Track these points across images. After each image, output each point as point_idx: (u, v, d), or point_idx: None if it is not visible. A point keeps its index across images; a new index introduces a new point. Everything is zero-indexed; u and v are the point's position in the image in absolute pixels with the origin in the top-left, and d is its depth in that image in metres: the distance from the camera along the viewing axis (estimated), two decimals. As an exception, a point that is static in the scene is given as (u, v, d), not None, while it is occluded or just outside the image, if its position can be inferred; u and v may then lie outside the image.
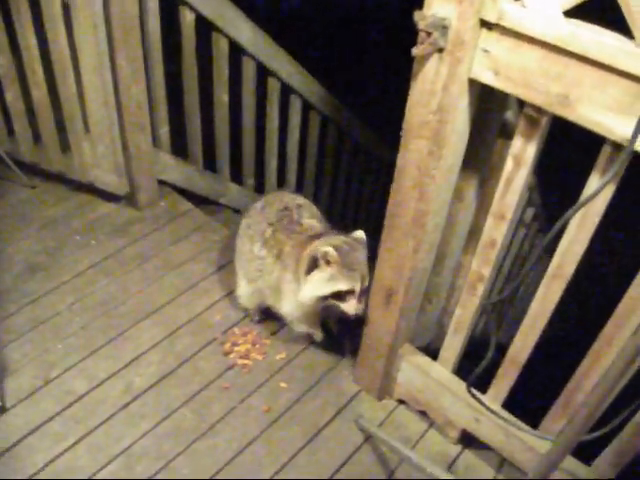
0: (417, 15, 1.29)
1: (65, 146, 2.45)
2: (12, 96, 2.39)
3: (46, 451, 1.82)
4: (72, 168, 2.47)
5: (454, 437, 1.96)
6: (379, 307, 1.83)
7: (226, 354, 2.09)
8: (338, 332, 2.19)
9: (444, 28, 1.29)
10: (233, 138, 2.78)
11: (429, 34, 1.29)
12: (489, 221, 1.56)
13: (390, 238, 1.68)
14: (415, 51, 1.31)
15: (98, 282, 2.29)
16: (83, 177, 2.46)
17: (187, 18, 2.35)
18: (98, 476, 1.77)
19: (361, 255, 1.87)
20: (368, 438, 1.93)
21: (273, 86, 2.73)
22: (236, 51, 2.54)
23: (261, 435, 1.91)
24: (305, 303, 1.89)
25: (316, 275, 1.83)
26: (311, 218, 2.02)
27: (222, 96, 2.59)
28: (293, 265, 1.91)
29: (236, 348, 2.10)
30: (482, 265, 1.63)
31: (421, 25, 1.28)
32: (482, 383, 1.78)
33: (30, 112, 2.44)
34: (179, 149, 2.65)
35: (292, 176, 3.10)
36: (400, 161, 1.55)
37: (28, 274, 2.30)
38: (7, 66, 2.34)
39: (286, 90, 2.80)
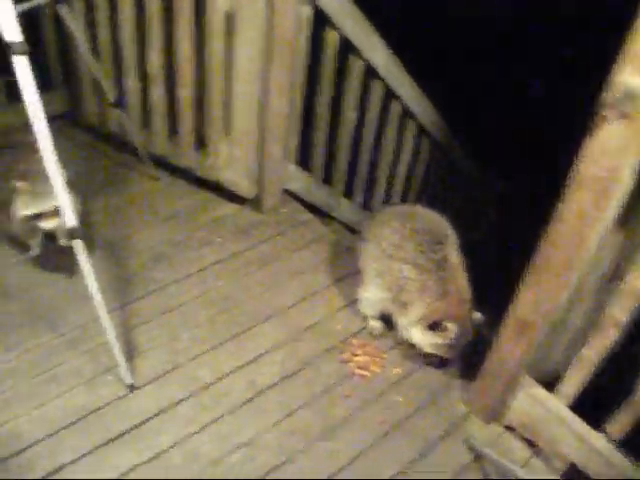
0: (610, 83, 1.39)
1: (198, 145, 2.58)
2: (158, 94, 2.53)
3: (173, 433, 1.90)
4: (203, 166, 2.59)
5: (560, 469, 2.00)
6: (511, 338, 1.89)
7: (345, 362, 2.17)
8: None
9: (634, 97, 1.38)
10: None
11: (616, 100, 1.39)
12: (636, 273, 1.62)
13: (536, 276, 1.75)
14: (602, 114, 1.42)
15: (222, 279, 2.39)
16: (213, 176, 2.58)
17: (332, 38, 2.47)
18: (222, 464, 1.85)
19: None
20: (477, 458, 1.98)
21: (395, 109, 2.84)
22: (368, 73, 2.65)
23: (375, 445, 1.97)
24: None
25: (429, 336, 2.08)
26: (457, 256, 2.12)
27: (349, 113, 2.71)
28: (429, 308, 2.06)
29: (355, 358, 2.17)
30: (620, 312, 1.69)
31: (612, 93, 1.38)
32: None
33: (170, 108, 2.57)
34: (301, 160, 2.76)
35: (397, 196, 3.20)
36: (562, 207, 1.61)
37: (153, 263, 2.40)
38: (158, 65, 2.48)
39: (405, 113, 2.90)
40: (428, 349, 2.11)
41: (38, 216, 2.10)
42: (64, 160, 1.74)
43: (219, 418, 1.96)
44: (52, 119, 1.69)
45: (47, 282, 2.28)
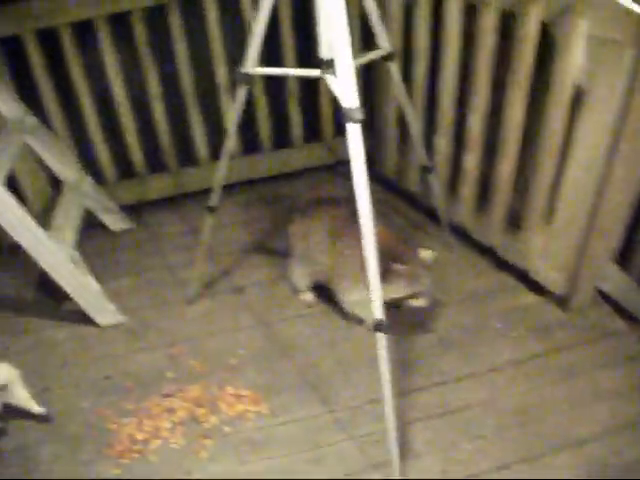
0: None
1: (508, 224, 2.34)
2: (472, 162, 2.35)
3: None
4: (510, 249, 2.34)
5: None
6: None
7: None
8: None
9: None
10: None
11: None
12: None
13: None
14: None
15: (516, 385, 2.09)
16: (519, 262, 2.32)
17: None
18: None
19: None
20: None
21: None
22: None
23: None
24: None
25: None
26: None
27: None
28: None
29: None
30: None
31: None
32: None
33: (483, 179, 2.37)
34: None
35: None
36: None
37: (441, 348, 2.21)
38: (478, 131, 2.28)
39: None
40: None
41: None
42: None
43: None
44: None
45: (325, 346, 2.23)
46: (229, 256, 2.69)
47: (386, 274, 2.00)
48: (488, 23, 2.09)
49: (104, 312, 2.38)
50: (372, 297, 1.63)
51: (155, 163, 2.98)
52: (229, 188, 2.89)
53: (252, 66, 1.86)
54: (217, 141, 2.90)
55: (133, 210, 3.01)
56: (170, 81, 2.81)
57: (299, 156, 3.11)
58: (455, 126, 2.42)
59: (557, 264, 2.20)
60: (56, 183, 2.77)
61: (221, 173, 2.12)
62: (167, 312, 2.44)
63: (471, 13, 2.23)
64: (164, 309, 2.45)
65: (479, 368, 2.14)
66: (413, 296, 2.13)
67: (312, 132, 3.08)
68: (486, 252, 2.50)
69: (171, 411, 2.05)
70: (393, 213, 2.83)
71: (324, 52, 1.72)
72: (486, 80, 2.20)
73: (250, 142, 3.03)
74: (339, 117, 1.60)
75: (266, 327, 2.32)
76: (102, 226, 2.90)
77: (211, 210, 2.20)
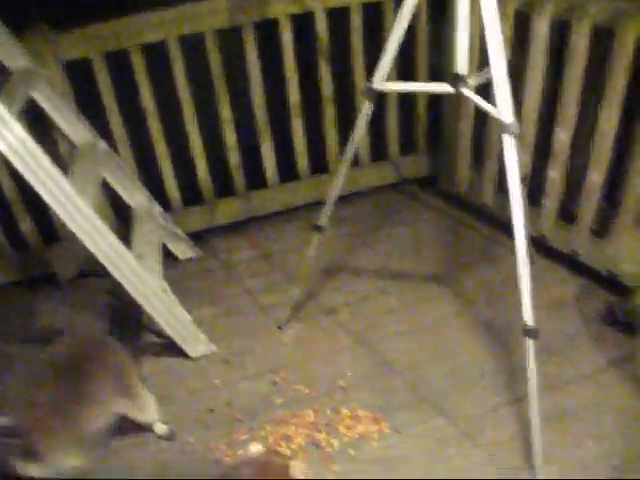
0: None
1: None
2: (558, 173, 2.42)
3: None
4: (595, 253, 2.43)
5: None
6: None
7: None
8: None
9: None
10: None
11: None
12: None
13: None
14: None
15: (622, 384, 2.15)
16: (607, 265, 2.40)
17: None
18: None
19: None
20: None
21: None
22: None
23: None
24: None
25: None
26: None
27: None
28: None
29: None
30: None
31: None
32: None
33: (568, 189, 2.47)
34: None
35: None
36: None
37: (546, 355, 2.21)
38: (565, 143, 2.37)
39: None
40: None
41: None
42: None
43: None
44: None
45: (432, 360, 2.25)
46: (312, 277, 2.62)
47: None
48: (581, 41, 2.19)
49: (196, 343, 2.33)
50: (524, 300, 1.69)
51: (222, 188, 2.97)
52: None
53: (381, 81, 1.87)
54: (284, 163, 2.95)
55: (199, 237, 2.98)
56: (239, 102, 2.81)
57: (367, 174, 3.11)
58: (537, 138, 2.50)
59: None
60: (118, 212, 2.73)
61: (334, 192, 2.14)
62: (259, 338, 2.40)
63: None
64: (255, 336, 2.41)
65: (584, 370, 2.20)
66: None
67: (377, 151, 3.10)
68: (565, 260, 2.57)
69: (288, 439, 2.01)
70: (461, 227, 2.91)
71: (460, 67, 1.77)
72: (576, 95, 2.29)
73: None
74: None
75: (367, 346, 2.32)
76: (170, 254, 2.85)
77: (318, 229, 2.20)
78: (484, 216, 2.90)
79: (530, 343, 1.70)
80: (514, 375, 2.17)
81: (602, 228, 2.41)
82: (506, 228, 2.70)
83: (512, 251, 2.61)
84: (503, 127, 1.59)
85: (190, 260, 2.90)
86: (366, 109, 1.95)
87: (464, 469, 1.90)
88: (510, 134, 1.59)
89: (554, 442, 1.97)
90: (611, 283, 2.45)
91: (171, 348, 2.33)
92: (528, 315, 1.70)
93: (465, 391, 2.14)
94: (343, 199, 3.04)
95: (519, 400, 2.08)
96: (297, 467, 1.52)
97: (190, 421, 2.12)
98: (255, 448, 1.60)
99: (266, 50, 2.75)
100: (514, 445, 1.96)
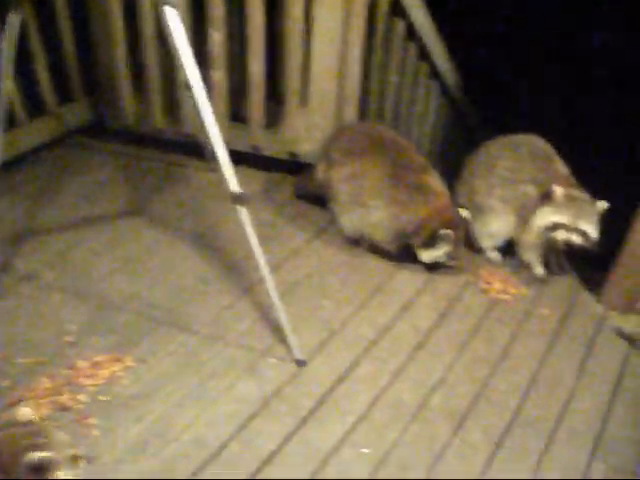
0: None
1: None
2: (219, 76, 2.47)
3: (364, 392, 1.88)
4: (275, 143, 2.58)
5: None
6: None
7: (485, 292, 2.28)
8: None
9: None
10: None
11: None
12: None
13: None
14: None
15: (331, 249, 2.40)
16: (287, 150, 2.58)
17: None
18: (424, 408, 1.85)
19: None
20: (631, 343, 2.16)
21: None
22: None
23: (546, 354, 2.08)
24: None
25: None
26: None
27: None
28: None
29: (491, 286, 2.29)
30: None
31: None
32: None
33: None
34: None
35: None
36: None
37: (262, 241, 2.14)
38: (220, 43, 2.41)
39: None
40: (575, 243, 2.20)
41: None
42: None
43: (404, 366, 1.97)
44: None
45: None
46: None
47: (436, 239, 2.19)
48: None
49: None
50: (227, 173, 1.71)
51: None
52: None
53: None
54: None
55: None
56: None
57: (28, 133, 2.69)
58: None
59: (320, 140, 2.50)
60: None
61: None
62: None
63: None
64: None
65: (293, 245, 2.40)
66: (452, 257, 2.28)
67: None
68: (250, 159, 2.68)
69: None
70: (145, 160, 2.81)
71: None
72: None
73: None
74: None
75: (82, 295, 2.11)
76: None
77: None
78: (160, 143, 2.84)
79: (242, 209, 1.73)
80: (237, 274, 2.23)
81: (274, 119, 2.57)
82: (184, 148, 2.75)
83: (195, 169, 2.70)
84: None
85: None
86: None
87: (216, 368, 1.89)
88: (173, 7, 1.54)
89: (294, 313, 2.05)
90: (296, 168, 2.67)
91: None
92: (234, 184, 1.71)
93: (196, 302, 2.12)
94: (10, 165, 2.70)
95: (248, 290, 2.16)
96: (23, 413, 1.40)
97: None
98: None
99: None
100: (261, 328, 2.03)
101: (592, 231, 2.13)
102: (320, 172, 2.38)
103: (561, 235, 2.16)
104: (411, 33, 2.72)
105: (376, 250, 2.35)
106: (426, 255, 2.25)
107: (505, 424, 1.85)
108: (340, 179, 2.30)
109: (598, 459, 1.79)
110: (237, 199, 1.74)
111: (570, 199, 2.14)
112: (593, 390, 2.00)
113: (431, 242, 2.21)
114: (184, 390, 1.82)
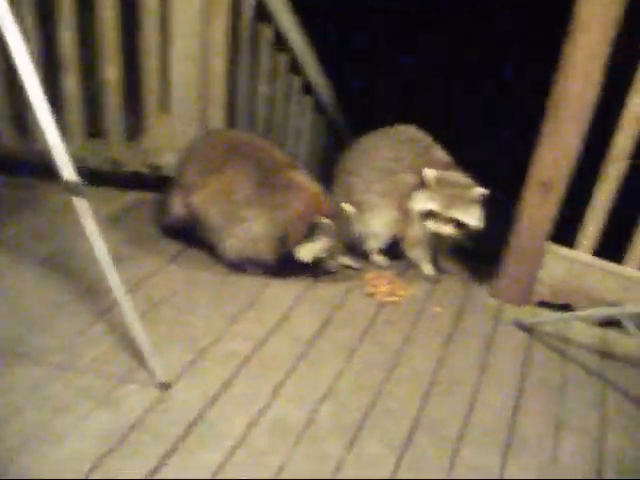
0: None
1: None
2: (72, 82, 2.23)
3: (240, 414, 1.62)
4: (136, 155, 2.34)
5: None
6: (535, 202, 1.99)
7: (371, 296, 2.11)
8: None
9: None
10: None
11: None
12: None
13: (554, 128, 1.87)
14: None
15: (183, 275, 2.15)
16: (150, 163, 2.35)
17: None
18: (310, 425, 1.62)
19: None
20: (531, 332, 2.06)
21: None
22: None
23: (443, 355, 1.92)
24: None
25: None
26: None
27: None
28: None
29: (378, 289, 2.13)
30: (624, 140, 1.87)
31: None
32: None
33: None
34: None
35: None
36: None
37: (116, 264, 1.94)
38: (70, 44, 2.19)
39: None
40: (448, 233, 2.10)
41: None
42: None
43: (284, 381, 1.73)
44: None
45: None
46: None
47: (313, 230, 2.01)
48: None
49: None
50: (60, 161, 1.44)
51: None
52: None
53: None
54: None
55: None
56: None
57: None
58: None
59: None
60: None
61: None
62: None
63: None
64: None
65: (153, 268, 2.14)
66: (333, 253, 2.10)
67: None
68: (112, 178, 2.41)
69: None
70: None
71: None
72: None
73: None
74: None
75: None
76: None
77: None
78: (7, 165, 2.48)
79: (80, 201, 1.47)
80: (93, 296, 1.93)
81: (133, 132, 2.34)
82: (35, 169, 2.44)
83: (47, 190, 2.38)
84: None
85: None
86: None
87: (64, 400, 1.57)
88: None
89: (157, 332, 1.79)
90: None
91: None
92: (68, 171, 1.45)
93: (44, 329, 1.80)
94: None
95: (105, 312, 1.86)
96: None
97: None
98: None
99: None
100: (118, 353, 1.74)
101: (468, 218, 2.04)
102: (178, 205, 2.13)
103: (433, 225, 2.08)
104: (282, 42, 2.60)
105: (257, 268, 2.13)
106: (305, 251, 2.05)
107: (406, 432, 1.63)
108: (205, 202, 2.06)
109: (512, 456, 1.61)
110: (73, 189, 1.46)
111: (444, 184, 2.04)
112: (498, 385, 1.84)
113: (309, 234, 2.02)
114: (24, 431, 1.48)
